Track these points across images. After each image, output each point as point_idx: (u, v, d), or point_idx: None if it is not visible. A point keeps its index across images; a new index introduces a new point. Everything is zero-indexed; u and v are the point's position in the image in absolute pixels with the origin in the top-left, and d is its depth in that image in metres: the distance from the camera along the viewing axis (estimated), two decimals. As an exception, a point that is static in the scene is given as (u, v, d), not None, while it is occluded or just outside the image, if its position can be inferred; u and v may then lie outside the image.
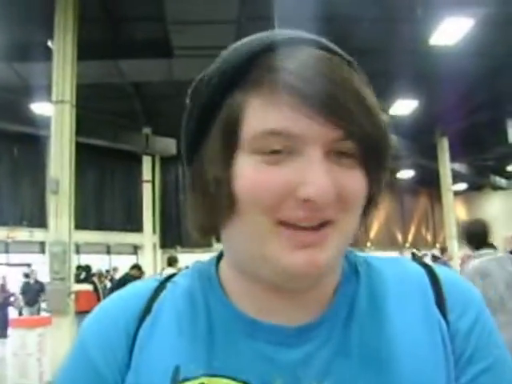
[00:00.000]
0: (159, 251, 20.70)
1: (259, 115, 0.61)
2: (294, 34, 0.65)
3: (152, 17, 11.03)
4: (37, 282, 13.97)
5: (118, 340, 0.71)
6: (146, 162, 19.93)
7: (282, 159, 0.60)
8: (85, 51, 9.92)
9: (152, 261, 19.89)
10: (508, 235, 7.46)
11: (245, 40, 0.66)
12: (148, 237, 20.27)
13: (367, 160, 0.62)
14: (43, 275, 11.56)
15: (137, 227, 20.58)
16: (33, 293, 13.76)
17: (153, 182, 20.20)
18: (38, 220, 17.80)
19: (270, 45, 0.63)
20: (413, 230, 31.15)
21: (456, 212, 23.01)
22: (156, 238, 20.74)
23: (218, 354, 0.67)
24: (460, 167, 23.52)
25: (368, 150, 0.61)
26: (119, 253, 20.57)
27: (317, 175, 0.58)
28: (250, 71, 0.62)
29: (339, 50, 0.66)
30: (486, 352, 0.69)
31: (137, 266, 11.84)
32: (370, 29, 11.46)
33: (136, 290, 0.78)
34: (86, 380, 0.70)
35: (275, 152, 0.60)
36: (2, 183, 17.93)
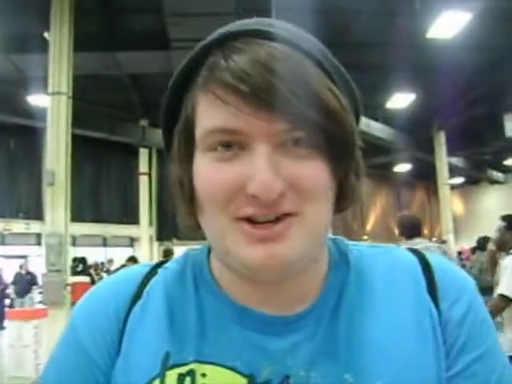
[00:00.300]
0: (155, 244, 20.69)
1: (207, 114, 0.62)
2: (253, 25, 0.64)
3: (149, 8, 10.99)
4: (28, 273, 13.91)
5: (108, 324, 0.72)
6: (143, 154, 19.83)
7: (233, 156, 0.61)
8: (81, 43, 9.87)
9: (148, 253, 19.88)
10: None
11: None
12: (144, 229, 20.23)
13: (325, 149, 0.62)
14: (39, 267, 11.54)
15: (133, 220, 20.56)
16: (24, 284, 13.67)
17: (149, 174, 20.14)
18: (35, 212, 17.78)
19: (220, 40, 0.63)
20: (409, 223, 31.15)
21: (453, 206, 23.04)
22: (152, 231, 20.72)
23: (207, 341, 0.68)
24: (457, 161, 23.54)
25: (323, 139, 0.61)
26: (115, 245, 20.58)
27: (259, 171, 0.58)
28: (201, 69, 0.63)
29: (301, 42, 0.63)
30: (478, 341, 0.69)
31: (133, 258, 11.85)
32: (368, 22, 11.44)
33: (127, 276, 0.79)
34: (77, 363, 0.71)
35: (226, 149, 0.61)
36: (-2, 175, 17.88)
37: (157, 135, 18.05)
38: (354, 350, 0.67)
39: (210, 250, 0.78)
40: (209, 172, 0.62)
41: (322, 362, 0.66)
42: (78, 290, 9.73)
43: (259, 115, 0.58)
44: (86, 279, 11.27)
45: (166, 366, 0.67)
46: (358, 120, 0.71)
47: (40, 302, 10.48)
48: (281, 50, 0.60)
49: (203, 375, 0.66)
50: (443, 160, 20.69)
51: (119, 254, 17.16)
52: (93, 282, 11.49)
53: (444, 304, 0.70)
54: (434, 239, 29.28)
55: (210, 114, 0.62)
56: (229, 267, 0.68)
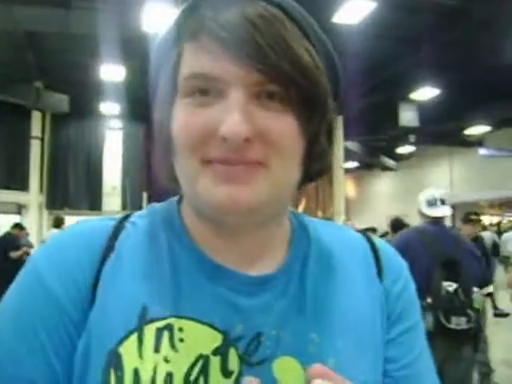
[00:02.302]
0: (45, 211, 19.88)
1: (188, 61, 0.67)
2: None
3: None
4: None
5: (83, 275, 0.71)
6: (36, 117, 18.87)
7: (208, 101, 0.65)
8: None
9: (37, 221, 19.10)
10: (390, 215, 7.83)
11: None
12: (34, 196, 19.37)
13: (297, 106, 0.66)
14: None
15: (22, 185, 19.59)
16: None
17: (42, 139, 19.27)
18: None
19: None
20: (304, 203, 31.96)
21: (346, 189, 23.81)
22: (42, 198, 19.89)
23: (183, 297, 0.71)
24: (352, 146, 24.29)
25: (295, 94, 0.65)
26: (1, 212, 19.57)
27: (230, 114, 0.62)
28: (190, 22, 0.68)
29: (287, 6, 0.68)
30: (410, 313, 0.83)
31: (18, 225, 11.42)
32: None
33: (94, 227, 0.78)
34: (46, 311, 0.69)
35: (204, 95, 0.65)
36: None
37: (52, 98, 17.28)
38: (320, 312, 0.74)
39: (178, 205, 0.81)
40: (185, 116, 0.66)
41: (292, 322, 0.72)
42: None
43: (237, 63, 0.62)
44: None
45: (144, 320, 0.69)
46: (337, 85, 0.78)
47: None
48: (265, 9, 0.65)
49: (180, 329, 0.69)
50: (339, 144, 21.28)
51: (5, 221, 16.38)
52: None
53: (387, 281, 0.82)
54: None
55: (191, 60, 0.66)
56: (200, 214, 0.73)
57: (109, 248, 0.74)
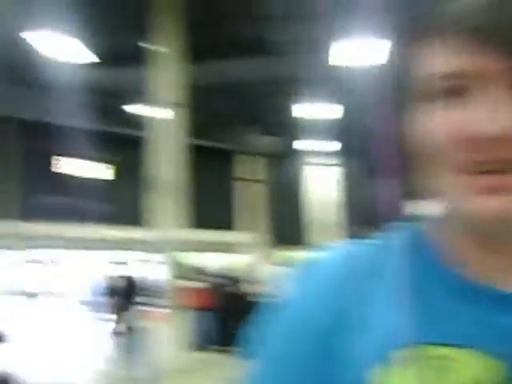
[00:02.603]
0: (264, 250, 20.61)
1: (428, 60, 0.59)
2: None
3: (253, 14, 11.04)
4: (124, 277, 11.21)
5: (335, 305, 0.67)
6: (251, 161, 20.08)
7: (457, 101, 0.57)
8: (189, 52, 10.13)
9: (257, 259, 19.81)
10: None
11: None
12: (253, 236, 20.40)
13: None
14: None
15: (241, 226, 20.76)
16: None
17: (258, 180, 20.26)
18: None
19: None
20: None
21: None
22: (262, 237, 20.77)
23: (441, 321, 0.62)
24: None
25: None
26: (214, 250, 20.36)
27: (485, 111, 0.54)
28: (424, 16, 0.60)
29: None
30: None
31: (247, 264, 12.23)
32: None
33: (339, 254, 0.74)
34: (308, 348, 0.67)
35: (449, 95, 0.57)
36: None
37: (263, 142, 18.03)
38: None
39: (423, 222, 0.73)
40: (431, 121, 0.59)
41: None
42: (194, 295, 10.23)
43: (486, 54, 0.54)
44: (200, 285, 11.79)
45: (393, 349, 0.61)
46: None
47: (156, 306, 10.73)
48: None
49: (444, 358, 0.60)
50: None
51: (219, 260, 17.37)
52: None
53: None
54: None
55: (432, 60, 0.59)
56: (458, 227, 0.64)
57: (355, 274, 0.69)
